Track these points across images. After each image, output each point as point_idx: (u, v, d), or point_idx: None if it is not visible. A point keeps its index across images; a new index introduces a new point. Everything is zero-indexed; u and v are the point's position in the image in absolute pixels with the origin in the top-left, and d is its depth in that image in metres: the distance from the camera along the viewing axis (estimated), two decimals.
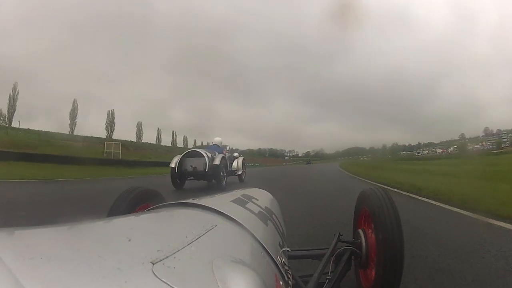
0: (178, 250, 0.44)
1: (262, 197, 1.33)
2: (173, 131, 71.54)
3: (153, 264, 0.38)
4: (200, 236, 0.54)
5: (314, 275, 1.06)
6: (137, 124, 62.42)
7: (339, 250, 1.31)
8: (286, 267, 0.77)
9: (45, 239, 0.43)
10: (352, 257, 1.34)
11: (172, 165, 7.63)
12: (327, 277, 1.13)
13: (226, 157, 8.79)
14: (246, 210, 0.93)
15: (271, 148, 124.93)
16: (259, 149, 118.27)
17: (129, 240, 0.45)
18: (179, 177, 7.58)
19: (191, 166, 7.55)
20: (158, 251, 0.41)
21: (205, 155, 7.61)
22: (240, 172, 9.71)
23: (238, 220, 0.73)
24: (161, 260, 0.39)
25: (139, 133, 61.71)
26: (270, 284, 0.58)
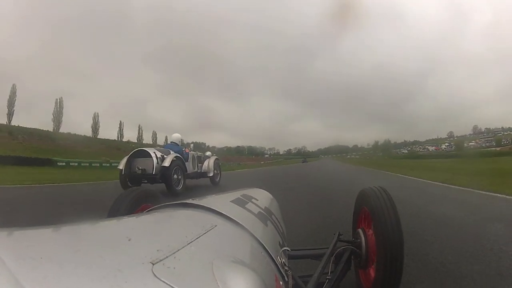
0: (178, 250, 0.44)
1: (262, 197, 1.33)
2: (139, 125, 64.88)
3: (153, 264, 0.38)
4: (200, 236, 0.54)
5: (314, 275, 1.06)
6: (94, 115, 55.98)
7: (339, 249, 1.31)
8: (286, 267, 0.77)
9: (45, 239, 0.43)
10: (352, 256, 1.34)
11: (120, 166, 6.65)
12: (327, 277, 1.13)
13: (192, 156, 7.80)
14: (245, 210, 0.93)
15: (250, 146, 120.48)
16: (238, 146, 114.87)
17: (129, 240, 0.45)
18: (130, 180, 6.56)
19: (138, 168, 6.55)
20: (158, 251, 0.42)
21: (153, 155, 6.50)
22: (211, 174, 8.41)
23: (238, 221, 0.74)
24: (161, 260, 0.39)
25: (95, 127, 55.25)
26: (270, 284, 0.58)
